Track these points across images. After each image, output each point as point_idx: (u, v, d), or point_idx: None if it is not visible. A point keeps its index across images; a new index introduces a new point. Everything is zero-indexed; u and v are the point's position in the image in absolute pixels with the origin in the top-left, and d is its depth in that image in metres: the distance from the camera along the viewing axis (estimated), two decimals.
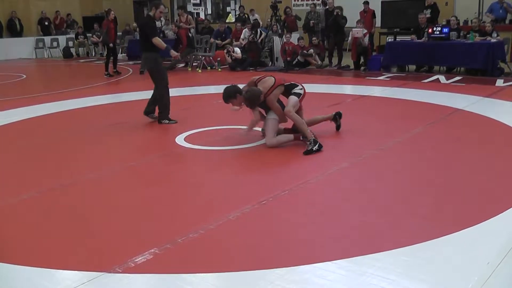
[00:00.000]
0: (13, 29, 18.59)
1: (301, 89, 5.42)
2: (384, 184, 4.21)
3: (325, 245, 3.11)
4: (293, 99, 5.32)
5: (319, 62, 12.09)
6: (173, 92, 9.45)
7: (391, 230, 3.27)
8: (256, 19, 14.75)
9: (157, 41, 6.49)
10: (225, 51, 12.46)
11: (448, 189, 4.02)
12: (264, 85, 5.32)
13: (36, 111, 7.82)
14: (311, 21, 13.00)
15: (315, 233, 3.28)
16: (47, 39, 18.40)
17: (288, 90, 5.40)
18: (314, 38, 12.36)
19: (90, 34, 17.65)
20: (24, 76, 12.83)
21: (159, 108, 6.71)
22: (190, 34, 13.03)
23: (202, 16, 19.13)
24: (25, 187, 4.33)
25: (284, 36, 12.11)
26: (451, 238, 3.10)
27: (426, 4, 11.69)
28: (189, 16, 14.01)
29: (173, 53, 6.64)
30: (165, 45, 6.58)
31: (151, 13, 6.70)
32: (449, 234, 3.14)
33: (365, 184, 4.20)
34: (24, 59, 17.59)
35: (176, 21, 14.02)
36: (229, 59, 12.28)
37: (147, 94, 6.86)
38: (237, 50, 12.17)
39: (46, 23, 19.09)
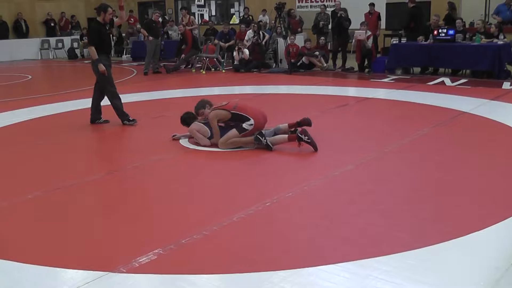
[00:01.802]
0: (19, 31, 18.70)
1: (251, 124, 5.23)
2: (388, 186, 4.19)
3: (329, 247, 3.09)
4: (232, 132, 5.26)
5: (325, 65, 12.05)
6: (177, 93, 9.53)
7: (396, 233, 3.25)
8: (261, 20, 14.74)
9: (91, 50, 6.54)
10: (236, 47, 12.49)
11: (454, 192, 4.00)
12: (217, 104, 5.51)
13: (41, 112, 7.85)
14: (321, 22, 12.96)
15: (319, 236, 3.27)
16: (52, 40, 18.48)
17: (236, 120, 5.34)
18: (322, 38, 12.34)
19: None
20: (30, 76, 12.88)
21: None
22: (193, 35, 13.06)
23: (206, 17, 19.16)
24: (30, 187, 4.34)
25: (288, 38, 12.11)
26: (458, 242, 3.08)
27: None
28: (192, 17, 14.04)
29: (101, 67, 6.49)
30: (97, 56, 6.51)
31: (99, 18, 6.67)
32: (455, 238, 3.12)
33: (370, 186, 4.18)
34: (30, 60, 17.65)
35: (181, 20, 14.08)
36: (236, 56, 12.30)
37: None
38: (246, 51, 12.18)
39: (52, 25, 19.18)
